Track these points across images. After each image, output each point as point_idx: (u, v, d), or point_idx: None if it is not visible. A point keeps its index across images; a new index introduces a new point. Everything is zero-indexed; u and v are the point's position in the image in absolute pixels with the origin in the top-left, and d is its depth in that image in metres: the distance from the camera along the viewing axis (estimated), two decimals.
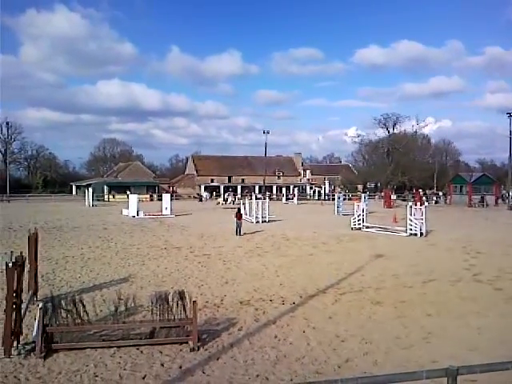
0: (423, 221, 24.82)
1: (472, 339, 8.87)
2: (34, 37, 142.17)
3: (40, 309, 8.04)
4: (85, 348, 8.13)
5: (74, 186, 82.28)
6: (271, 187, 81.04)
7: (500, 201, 56.34)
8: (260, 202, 33.29)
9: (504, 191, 61.51)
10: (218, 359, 7.90)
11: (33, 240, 11.44)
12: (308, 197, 75.07)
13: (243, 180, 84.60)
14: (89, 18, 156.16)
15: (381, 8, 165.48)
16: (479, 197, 53.03)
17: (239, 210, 26.27)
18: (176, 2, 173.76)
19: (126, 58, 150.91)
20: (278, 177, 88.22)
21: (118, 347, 8.23)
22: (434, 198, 61.18)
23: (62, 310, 8.36)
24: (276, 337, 9.00)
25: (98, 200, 59.14)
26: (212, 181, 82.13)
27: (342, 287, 13.12)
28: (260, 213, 31.93)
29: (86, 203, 50.08)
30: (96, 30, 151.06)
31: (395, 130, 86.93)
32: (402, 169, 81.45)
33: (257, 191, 72.48)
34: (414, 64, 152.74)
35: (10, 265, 7.94)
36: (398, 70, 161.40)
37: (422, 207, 26.16)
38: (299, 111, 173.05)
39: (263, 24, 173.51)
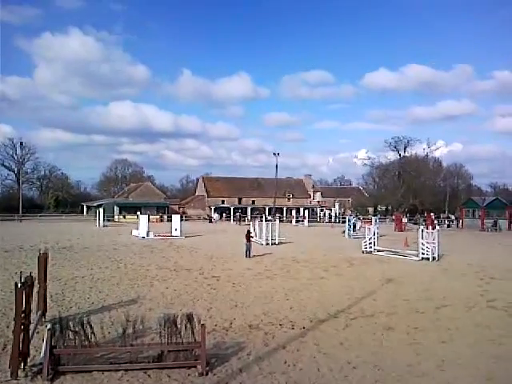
0: (435, 245, 24.52)
1: (488, 368, 8.62)
2: (49, 59, 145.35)
3: (48, 330, 7.99)
4: (92, 371, 8.03)
5: (85, 206, 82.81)
6: (281, 209, 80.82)
7: None
8: (270, 223, 33.16)
9: None
10: None
11: (42, 260, 11.44)
12: (318, 219, 74.70)
13: (253, 201, 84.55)
14: (102, 41, 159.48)
15: (389, 32, 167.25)
16: (492, 221, 52.43)
17: (249, 231, 26.15)
18: (188, 26, 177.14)
19: (138, 81, 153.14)
20: (288, 199, 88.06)
21: (126, 370, 8.12)
22: (446, 222, 60.58)
23: (70, 332, 8.29)
24: (286, 362, 8.83)
25: (109, 220, 59.34)
26: (222, 202, 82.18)
27: (353, 312, 12.91)
28: (270, 235, 31.78)
29: (97, 223, 50.28)
30: (109, 52, 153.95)
31: (406, 153, 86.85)
32: (414, 192, 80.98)
33: (267, 213, 72.40)
34: (424, 87, 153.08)
35: (19, 285, 7.92)
36: (407, 93, 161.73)
37: (434, 231, 25.86)
38: (309, 133, 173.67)
39: (273, 47, 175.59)
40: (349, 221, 41.59)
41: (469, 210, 57.75)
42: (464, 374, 8.33)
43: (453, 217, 66.37)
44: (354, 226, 41.79)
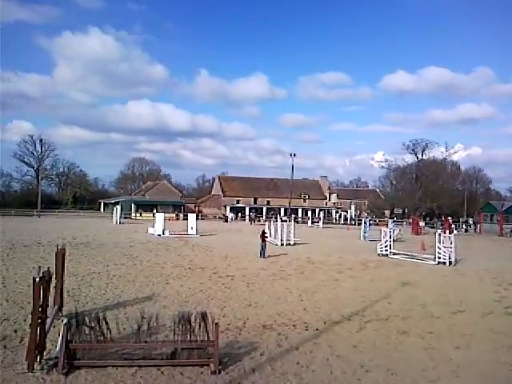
0: (452, 249, 24.23)
1: (504, 376, 8.50)
2: (69, 58, 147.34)
3: (64, 325, 8.10)
4: (106, 366, 8.12)
5: (102, 203, 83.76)
6: (297, 210, 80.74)
7: None
8: (285, 224, 33.13)
9: None
10: None
11: (60, 255, 11.61)
12: (334, 221, 74.38)
13: (268, 202, 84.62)
14: (121, 40, 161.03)
15: (408, 34, 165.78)
16: (511, 226, 51.59)
17: (264, 232, 26.17)
18: (205, 26, 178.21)
19: (156, 80, 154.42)
20: (304, 200, 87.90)
21: (139, 367, 8.19)
22: (464, 226, 59.79)
23: (86, 327, 8.40)
24: (298, 363, 8.81)
25: (126, 218, 59.96)
26: (238, 202, 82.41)
27: (367, 315, 12.83)
28: (285, 235, 31.75)
29: (114, 220, 50.78)
30: (128, 52, 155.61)
31: (424, 156, 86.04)
32: (431, 195, 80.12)
33: (282, 213, 72.35)
34: (443, 90, 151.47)
35: (37, 280, 8.04)
36: (425, 95, 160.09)
37: (452, 235, 25.55)
38: (326, 135, 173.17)
39: (290, 48, 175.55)
40: (365, 223, 41.28)
41: (487, 215, 57.01)
42: (479, 380, 8.23)
43: (471, 221, 65.47)
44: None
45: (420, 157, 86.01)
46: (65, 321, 8.32)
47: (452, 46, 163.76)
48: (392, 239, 28.21)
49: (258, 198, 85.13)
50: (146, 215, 64.12)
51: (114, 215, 51.58)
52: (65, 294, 12.22)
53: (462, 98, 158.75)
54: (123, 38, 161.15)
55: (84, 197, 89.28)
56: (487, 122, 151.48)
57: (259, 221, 64.60)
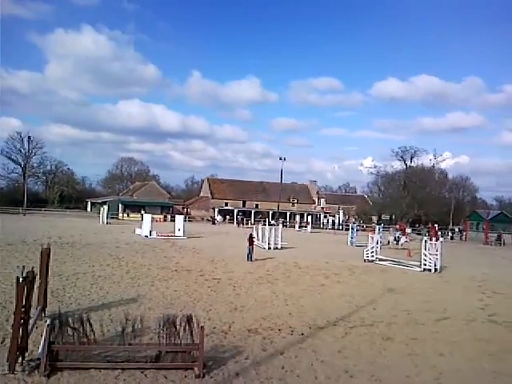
0: (438, 256, 24.43)
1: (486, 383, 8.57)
2: (61, 55, 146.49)
3: (47, 325, 8.01)
4: (89, 368, 8.03)
5: (89, 203, 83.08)
6: (285, 214, 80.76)
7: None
8: (273, 228, 33.13)
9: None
10: None
11: (45, 255, 11.47)
12: (321, 225, 74.55)
13: (257, 205, 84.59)
14: (114, 39, 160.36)
15: (400, 42, 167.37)
16: (496, 235, 52.17)
17: (251, 235, 26.14)
18: (199, 28, 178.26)
19: (148, 80, 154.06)
20: (293, 204, 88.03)
21: (123, 369, 8.11)
22: (450, 234, 60.35)
23: (69, 328, 8.31)
24: (283, 368, 8.80)
25: (112, 218, 59.51)
26: (226, 204, 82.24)
27: (352, 320, 12.87)
28: (273, 239, 31.76)
29: (100, 220, 50.38)
30: (121, 51, 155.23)
31: (412, 163, 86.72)
32: (418, 202, 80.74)
33: (270, 217, 72.37)
34: (433, 98, 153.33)
35: (21, 280, 7.94)
36: (416, 103, 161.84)
37: (438, 242, 25.76)
38: (316, 140, 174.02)
39: (283, 52, 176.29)
40: (352, 229, 41.45)
41: (473, 223, 57.64)
42: None
43: (457, 229, 66.08)
44: (398, 240, 40.07)
45: (408, 164, 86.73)
46: (48, 322, 8.22)
47: (443, 54, 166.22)
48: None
49: (247, 201, 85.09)
50: (134, 216, 63.75)
51: (101, 215, 51.16)
52: (49, 295, 12.07)
53: (451, 107, 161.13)
54: (116, 37, 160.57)
55: (71, 196, 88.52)
56: (476, 131, 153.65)
57: (246, 223, 64.51)
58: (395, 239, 39.92)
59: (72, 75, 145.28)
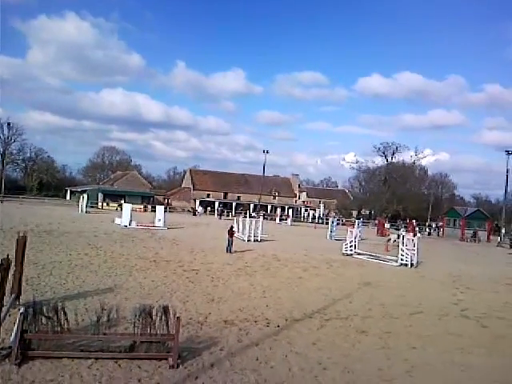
0: (415, 252, 24.80)
1: (455, 376, 8.78)
2: (43, 41, 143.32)
3: (20, 314, 7.92)
4: (62, 357, 7.98)
5: (68, 191, 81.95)
6: (266, 206, 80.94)
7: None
8: (253, 220, 33.19)
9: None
10: (196, 378, 7.77)
11: (21, 243, 11.31)
12: (302, 219, 74.92)
13: (239, 197, 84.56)
14: (98, 27, 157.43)
15: (384, 39, 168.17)
16: (472, 232, 53.13)
17: (232, 227, 26.14)
18: (184, 18, 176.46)
19: (132, 69, 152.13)
20: (274, 197, 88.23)
21: (96, 359, 8.08)
22: (427, 230, 61.28)
23: (43, 317, 8.23)
24: (258, 359, 8.88)
25: (92, 207, 58.83)
26: (208, 196, 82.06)
27: (328, 313, 13.02)
28: (253, 231, 31.82)
29: (80, 209, 49.76)
30: (105, 39, 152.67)
31: (393, 159, 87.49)
32: (398, 198, 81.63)
33: (251, 209, 72.45)
34: (415, 96, 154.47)
35: None
36: (399, 100, 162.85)
37: (415, 238, 26.15)
38: (300, 133, 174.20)
39: (268, 45, 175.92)
40: (332, 222, 41.75)
41: (450, 220, 58.54)
42: (432, 380, 8.47)
43: (434, 225, 67.08)
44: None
45: (390, 160, 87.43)
46: (21, 310, 8.13)
47: (427, 52, 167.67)
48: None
49: (229, 192, 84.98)
50: (114, 205, 63.12)
51: (80, 204, 50.54)
52: (24, 283, 11.93)
53: (433, 105, 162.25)
54: (100, 24, 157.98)
55: (50, 184, 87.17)
56: (456, 128, 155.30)
57: (227, 215, 64.43)
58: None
59: (55, 62, 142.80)
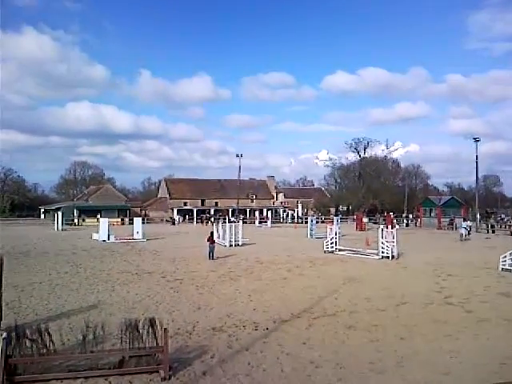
0: (394, 244, 25.12)
1: (445, 363, 8.90)
2: (2, 58, 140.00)
3: (3, 339, 7.70)
4: (49, 380, 7.79)
5: (42, 210, 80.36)
6: (245, 210, 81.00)
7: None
8: (233, 225, 33.14)
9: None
10: None
11: None
12: (281, 220, 75.17)
13: (216, 203, 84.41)
14: (58, 40, 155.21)
15: (346, 35, 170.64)
16: (448, 219, 54.04)
17: (212, 233, 26.03)
18: (145, 26, 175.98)
19: (96, 81, 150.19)
20: (252, 200, 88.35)
21: (86, 378, 7.92)
22: (405, 221, 62.13)
23: (27, 340, 8.03)
24: (249, 364, 8.84)
25: (68, 224, 57.83)
26: (185, 204, 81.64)
27: (315, 311, 13.05)
28: (233, 236, 31.75)
29: (55, 227, 48.90)
30: (66, 52, 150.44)
31: (366, 154, 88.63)
32: (374, 192, 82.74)
33: (230, 214, 72.34)
34: (381, 90, 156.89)
35: None
36: (366, 95, 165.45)
37: (393, 230, 26.48)
38: (271, 135, 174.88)
39: (232, 48, 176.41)
40: (311, 221, 41.96)
41: (426, 209, 59.31)
42: (422, 369, 8.56)
43: (411, 216, 68.05)
44: (469, 230, 39.47)
45: (362, 155, 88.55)
46: (4, 335, 7.91)
47: (388, 46, 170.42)
48: (338, 236, 28.92)
49: (206, 199, 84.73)
50: (90, 221, 62.11)
51: (56, 222, 49.66)
52: (4, 307, 11.59)
53: (399, 97, 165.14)
54: (60, 37, 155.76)
55: (22, 204, 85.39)
56: (423, 120, 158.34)
57: (212, 222, 63.98)
58: (466, 230, 39.17)
59: (15, 78, 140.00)
